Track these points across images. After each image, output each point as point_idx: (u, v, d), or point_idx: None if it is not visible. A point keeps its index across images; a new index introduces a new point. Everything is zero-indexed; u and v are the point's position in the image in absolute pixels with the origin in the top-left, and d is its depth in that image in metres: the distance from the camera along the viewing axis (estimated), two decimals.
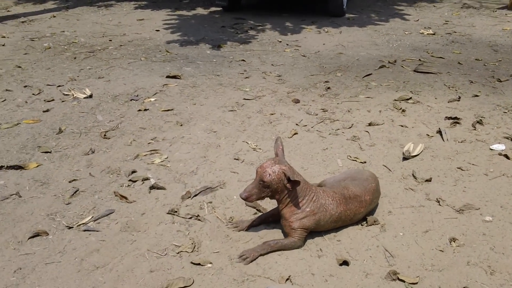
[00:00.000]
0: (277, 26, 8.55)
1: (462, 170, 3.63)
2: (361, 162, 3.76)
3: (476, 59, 6.51)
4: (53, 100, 4.96)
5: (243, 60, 6.46)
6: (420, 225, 2.99)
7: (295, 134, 4.24)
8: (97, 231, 2.93)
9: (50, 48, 6.93)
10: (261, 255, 2.70)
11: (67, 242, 2.83)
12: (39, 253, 2.73)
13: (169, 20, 8.98)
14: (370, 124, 4.42)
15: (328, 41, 7.56)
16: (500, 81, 5.58)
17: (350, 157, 3.83)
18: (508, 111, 4.70)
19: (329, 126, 4.41)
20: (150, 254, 2.73)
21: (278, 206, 2.81)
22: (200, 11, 9.90)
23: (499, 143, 4.03)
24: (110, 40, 7.41)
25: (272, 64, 6.31)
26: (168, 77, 5.68)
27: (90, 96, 5.04)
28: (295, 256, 2.70)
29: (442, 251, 2.75)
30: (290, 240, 2.74)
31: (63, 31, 7.92)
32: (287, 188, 2.69)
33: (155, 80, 5.61)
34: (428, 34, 8.02)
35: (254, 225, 2.97)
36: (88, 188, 3.40)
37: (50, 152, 3.89)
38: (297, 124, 4.44)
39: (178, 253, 2.73)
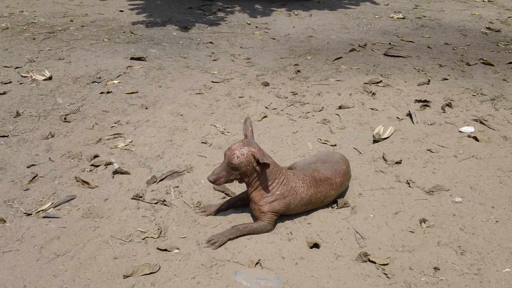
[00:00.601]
0: (246, 9, 8.41)
1: (431, 152, 3.61)
2: (331, 145, 3.70)
3: (445, 43, 6.52)
4: (10, 82, 4.74)
5: (211, 43, 6.32)
6: (390, 206, 2.95)
7: (264, 117, 4.15)
8: (58, 217, 2.79)
9: (7, 28, 6.64)
10: (230, 239, 2.61)
11: (25, 229, 2.68)
12: None
13: (133, 0, 8.74)
14: (340, 107, 4.36)
15: (298, 24, 7.46)
16: (469, 65, 5.60)
17: (321, 140, 3.77)
18: (477, 94, 4.70)
19: (299, 109, 4.33)
20: (113, 240, 2.61)
21: (247, 189, 2.72)
22: None
23: (468, 125, 4.03)
24: (71, 21, 7.15)
25: (241, 47, 6.19)
26: (132, 59, 5.51)
27: (50, 78, 4.83)
28: (265, 240, 2.63)
29: (413, 232, 2.71)
30: (259, 224, 2.66)
31: (22, 11, 7.61)
32: (257, 171, 2.60)
33: (119, 62, 5.43)
34: (398, 18, 8.00)
35: (222, 210, 2.88)
36: (48, 173, 3.24)
37: (7, 136, 3.70)
38: (266, 107, 4.35)
39: (143, 239, 2.62)
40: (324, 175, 2.81)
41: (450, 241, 2.65)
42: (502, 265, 2.47)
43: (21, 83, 4.72)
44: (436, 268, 2.44)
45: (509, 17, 8.14)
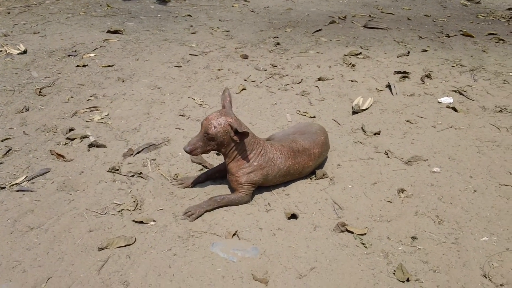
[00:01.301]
0: None
1: (410, 123, 3.61)
2: (310, 117, 3.67)
3: (425, 15, 6.50)
4: None
5: (189, 15, 6.22)
6: (368, 177, 2.94)
7: (243, 89, 4.11)
8: (32, 191, 2.73)
9: None
10: (207, 211, 2.58)
11: None
12: None
13: None
14: (319, 79, 4.33)
15: None
16: (449, 37, 5.59)
17: (300, 112, 3.74)
18: (456, 65, 4.70)
19: (278, 81, 4.29)
20: (89, 213, 2.57)
21: (225, 160, 2.69)
22: None
23: (447, 96, 4.03)
24: None
25: (219, 20, 6.10)
26: (109, 32, 5.40)
27: (25, 52, 4.71)
28: (243, 211, 2.61)
29: (391, 202, 2.71)
30: (237, 195, 2.63)
31: None
32: (234, 141, 2.56)
33: (95, 35, 5.31)
34: None
35: (200, 182, 2.85)
36: (22, 147, 3.17)
37: None
38: (245, 80, 4.30)
39: (119, 211, 2.58)
40: (302, 146, 2.79)
41: (428, 211, 2.65)
42: (480, 234, 2.49)
43: None
44: (413, 238, 2.44)
45: None
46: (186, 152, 2.54)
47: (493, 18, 6.42)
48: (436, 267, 2.25)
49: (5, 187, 2.75)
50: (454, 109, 3.79)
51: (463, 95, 4.04)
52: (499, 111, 3.78)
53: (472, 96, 4.02)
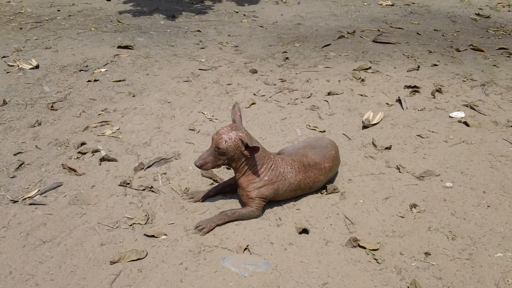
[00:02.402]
0: None
1: (422, 137, 3.59)
2: (320, 131, 3.67)
3: (434, 30, 6.50)
4: None
5: (199, 31, 6.26)
6: (380, 192, 2.93)
7: (252, 104, 4.11)
8: (44, 204, 2.74)
9: None
10: (218, 225, 2.58)
11: (11, 216, 2.64)
12: None
13: None
14: (329, 94, 4.33)
15: (286, 12, 7.42)
16: (459, 51, 5.58)
17: (309, 126, 3.74)
18: (467, 79, 4.69)
19: (287, 96, 4.30)
20: (100, 227, 2.57)
21: (235, 175, 2.68)
22: None
23: (458, 110, 4.01)
24: (58, 10, 7.06)
25: (228, 35, 6.14)
26: (119, 47, 5.44)
27: (37, 67, 4.76)
28: (254, 226, 2.60)
29: (403, 217, 2.69)
30: (247, 210, 2.63)
31: (9, 1, 7.51)
32: (245, 156, 2.56)
33: (106, 50, 5.35)
34: (386, 5, 7.98)
35: (210, 196, 2.85)
36: (35, 161, 3.19)
37: None
38: (254, 94, 4.31)
39: (130, 225, 2.59)
40: (313, 160, 2.78)
41: (441, 226, 2.63)
42: (494, 249, 2.46)
43: (8, 72, 4.64)
44: (427, 253, 2.42)
45: (498, 3, 8.13)
46: (197, 166, 2.54)
47: (504, 33, 6.41)
48: (450, 283, 2.23)
49: (17, 201, 2.77)
50: (466, 123, 3.78)
51: (475, 109, 4.02)
52: (511, 126, 3.75)
53: (483, 111, 4.00)
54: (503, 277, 2.26)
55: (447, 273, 2.29)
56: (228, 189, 2.89)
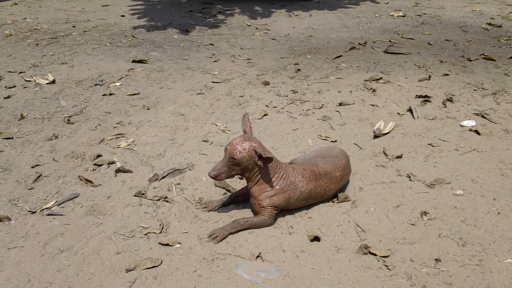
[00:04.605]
0: (246, 10, 8.45)
1: (432, 146, 3.62)
2: (332, 141, 3.71)
3: (446, 40, 6.53)
4: (14, 86, 4.78)
5: (212, 44, 6.35)
6: (391, 200, 2.96)
7: (265, 115, 4.17)
8: (61, 215, 2.82)
9: (11, 35, 6.70)
10: (230, 233, 2.63)
11: (30, 226, 2.72)
12: (1, 239, 2.62)
13: (135, 5, 8.79)
14: (340, 104, 4.38)
15: (298, 25, 7.49)
16: (470, 60, 5.60)
17: (321, 136, 3.79)
18: (478, 88, 4.71)
19: (299, 107, 4.35)
20: (116, 236, 2.64)
21: (248, 184, 2.74)
22: None
23: (469, 119, 4.03)
24: (74, 26, 7.20)
25: (241, 48, 6.22)
26: (134, 61, 5.54)
27: (53, 82, 4.87)
28: (266, 234, 2.65)
29: (414, 224, 2.72)
30: (260, 218, 2.68)
31: (25, 18, 7.68)
32: (258, 166, 2.62)
33: (121, 65, 5.46)
34: (398, 16, 8.02)
35: (223, 205, 2.90)
36: (52, 173, 3.28)
37: (11, 138, 3.75)
38: (267, 106, 4.37)
39: (145, 234, 2.65)
40: (324, 169, 2.83)
41: (451, 233, 2.65)
42: (504, 256, 2.48)
43: (25, 87, 4.76)
44: (437, 260, 2.45)
45: (510, 13, 8.14)
46: (211, 177, 2.60)
47: None
48: None
49: (36, 211, 2.84)
50: (477, 132, 3.80)
51: (486, 118, 4.04)
52: None
53: (494, 119, 4.02)
54: None
55: (457, 279, 2.31)
56: (240, 198, 2.94)
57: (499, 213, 2.82)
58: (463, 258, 2.46)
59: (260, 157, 2.57)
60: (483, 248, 2.53)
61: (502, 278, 2.31)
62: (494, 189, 3.07)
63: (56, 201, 2.93)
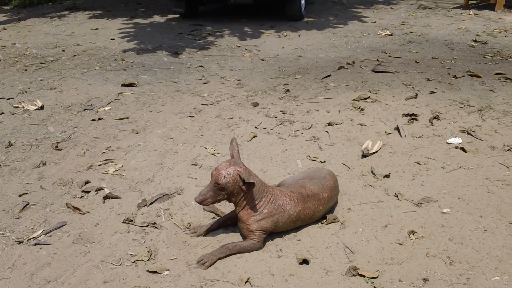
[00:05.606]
0: (235, 32, 8.52)
1: (420, 164, 3.64)
2: (320, 162, 3.73)
3: (432, 58, 6.60)
4: (2, 113, 4.78)
5: (201, 66, 6.39)
6: (379, 220, 2.97)
7: (254, 137, 4.19)
8: (49, 244, 2.80)
9: (0, 60, 6.71)
10: (219, 258, 2.63)
11: (16, 257, 2.70)
12: None
13: (124, 28, 8.85)
14: (329, 124, 4.41)
15: (287, 45, 7.56)
16: (456, 78, 5.67)
17: (310, 157, 3.80)
18: (464, 105, 4.75)
19: (288, 127, 4.38)
20: (104, 265, 2.62)
21: (235, 209, 2.74)
22: (157, 18, 9.79)
23: (455, 136, 4.07)
24: (63, 51, 7.23)
25: (231, 69, 6.26)
26: (123, 85, 5.56)
27: (41, 108, 4.88)
28: (255, 258, 2.64)
29: (402, 244, 2.73)
30: (248, 242, 2.68)
31: (14, 43, 7.70)
32: (243, 190, 2.63)
33: (110, 88, 5.48)
34: (385, 35, 8.11)
35: (212, 230, 2.90)
36: (39, 201, 3.27)
37: None
38: (256, 127, 4.39)
39: (133, 262, 2.64)
40: (312, 191, 2.84)
41: (439, 252, 2.66)
42: (491, 273, 2.49)
43: (13, 114, 4.76)
44: (425, 280, 2.45)
45: (495, 29, 8.25)
46: (197, 202, 2.61)
47: (500, 58, 6.50)
48: None
49: (23, 241, 2.83)
50: (463, 149, 3.83)
51: (472, 135, 4.08)
52: (508, 150, 3.80)
53: (480, 136, 4.05)
54: None
55: None
56: (229, 222, 2.94)
57: (485, 230, 2.84)
58: (450, 277, 2.46)
59: (244, 182, 2.58)
60: (471, 266, 2.54)
61: None
62: (481, 206, 3.08)
63: (44, 230, 2.92)
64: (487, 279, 2.45)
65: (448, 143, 3.95)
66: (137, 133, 4.29)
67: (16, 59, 6.78)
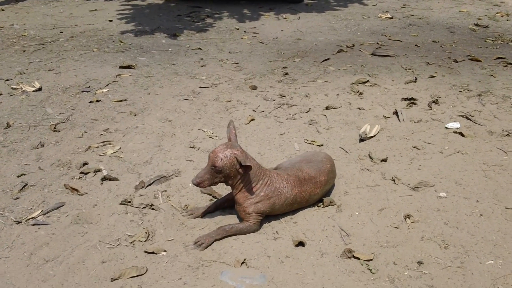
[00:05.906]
0: (234, 14, 8.46)
1: (417, 149, 3.65)
2: (318, 145, 3.74)
3: (433, 41, 6.58)
4: (1, 94, 4.76)
5: (200, 49, 6.36)
6: (375, 203, 2.99)
7: (252, 120, 4.19)
8: (47, 224, 2.82)
9: None
10: (216, 240, 2.65)
11: (15, 237, 2.72)
12: None
13: (122, 10, 8.78)
14: (327, 108, 4.40)
15: (287, 28, 7.52)
16: (457, 62, 5.65)
17: (307, 140, 3.81)
18: (463, 90, 4.75)
19: (286, 111, 4.38)
20: (102, 245, 2.64)
21: (232, 191, 2.76)
22: (155, 0, 9.71)
23: (454, 121, 4.07)
24: (61, 32, 7.19)
25: (229, 52, 6.23)
26: (121, 67, 5.54)
27: (40, 89, 4.87)
28: (251, 240, 2.66)
29: (397, 227, 2.75)
30: (245, 225, 2.70)
31: (12, 24, 7.64)
32: (240, 173, 2.64)
33: (108, 71, 5.46)
34: (386, 18, 8.06)
35: (209, 212, 2.92)
36: (38, 182, 3.28)
37: None
38: (254, 110, 4.39)
39: (131, 242, 2.66)
40: (308, 174, 2.85)
41: (434, 236, 2.69)
42: (486, 257, 2.51)
43: (11, 95, 4.75)
44: (419, 262, 2.48)
45: (497, 13, 8.21)
46: (194, 184, 2.62)
47: (502, 42, 6.48)
48: None
49: (21, 221, 2.85)
50: (461, 134, 3.83)
51: (470, 120, 4.08)
52: (506, 135, 3.81)
53: (479, 121, 4.06)
54: (494, 284, 2.31)
55: (438, 282, 2.34)
56: (226, 205, 2.96)
57: (481, 215, 2.85)
58: (445, 261, 2.49)
59: (241, 165, 2.59)
60: (465, 250, 2.56)
61: (483, 280, 2.34)
62: (477, 191, 3.10)
63: (42, 211, 2.94)
64: (482, 262, 2.47)
65: (447, 128, 3.96)
66: (135, 115, 4.28)
67: (14, 40, 6.74)
